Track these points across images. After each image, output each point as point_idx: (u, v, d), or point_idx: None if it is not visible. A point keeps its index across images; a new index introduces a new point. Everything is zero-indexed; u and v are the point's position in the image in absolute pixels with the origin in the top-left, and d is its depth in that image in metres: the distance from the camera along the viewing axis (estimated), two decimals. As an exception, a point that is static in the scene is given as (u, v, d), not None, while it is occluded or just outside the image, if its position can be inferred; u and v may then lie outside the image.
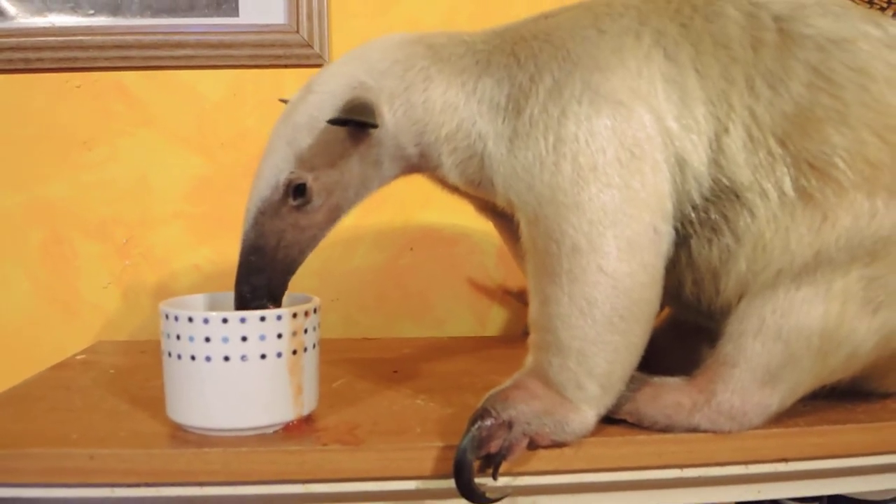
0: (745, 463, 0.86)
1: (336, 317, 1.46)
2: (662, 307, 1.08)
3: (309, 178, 0.87)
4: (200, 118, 1.42)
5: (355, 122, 0.85)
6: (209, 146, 1.42)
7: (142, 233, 1.42)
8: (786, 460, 0.87)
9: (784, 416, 0.87)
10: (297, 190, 0.87)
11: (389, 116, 0.88)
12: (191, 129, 1.42)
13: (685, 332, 1.00)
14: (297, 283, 1.43)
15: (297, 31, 1.40)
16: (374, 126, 0.86)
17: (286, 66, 1.42)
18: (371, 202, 1.42)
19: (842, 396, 0.93)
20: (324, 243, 1.44)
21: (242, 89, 1.42)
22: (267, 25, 1.41)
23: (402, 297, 1.48)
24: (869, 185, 0.76)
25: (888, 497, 1.17)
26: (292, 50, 1.41)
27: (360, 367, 1.13)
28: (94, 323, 1.42)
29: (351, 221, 1.45)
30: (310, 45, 1.41)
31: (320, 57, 1.41)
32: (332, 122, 0.84)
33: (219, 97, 1.42)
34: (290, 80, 1.41)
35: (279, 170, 0.87)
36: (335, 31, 1.43)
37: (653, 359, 0.97)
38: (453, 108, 0.86)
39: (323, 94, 0.88)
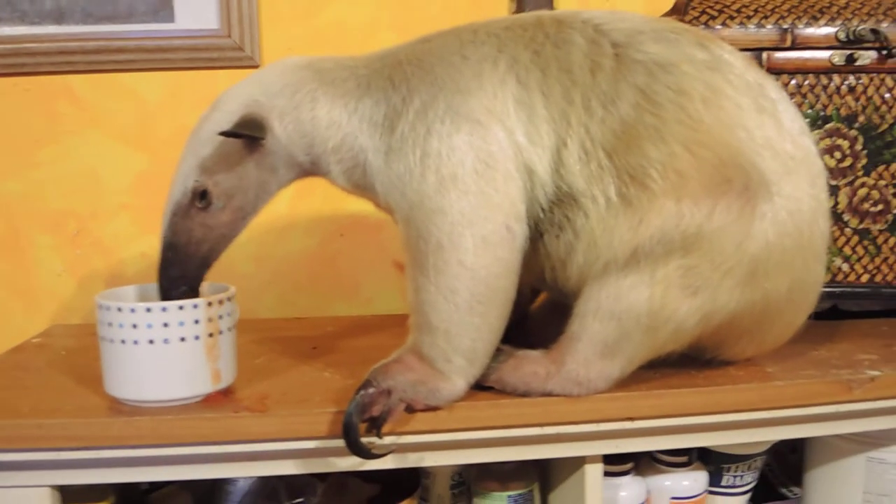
0: (596, 422, 1.01)
1: (272, 298, 1.61)
2: (535, 293, 1.23)
3: (209, 184, 1.00)
4: (142, 117, 1.54)
5: (244, 134, 0.98)
6: (151, 143, 1.55)
7: (92, 224, 1.55)
8: (632, 419, 1.02)
9: (632, 381, 1.02)
10: (201, 195, 1.01)
11: (280, 130, 1.01)
12: (133, 127, 1.54)
13: (559, 310, 1.15)
14: (236, 268, 1.58)
15: (229, 36, 1.52)
16: (260, 138, 1.00)
17: (220, 68, 1.54)
18: (302, 192, 1.58)
19: (690, 363, 1.09)
20: (259, 230, 1.60)
21: (180, 90, 1.55)
22: (201, 31, 1.53)
23: (333, 279, 1.62)
24: (677, 192, 0.90)
25: (755, 452, 1.33)
26: (225, 53, 1.53)
27: (284, 345, 1.27)
28: (50, 308, 1.55)
29: (284, 210, 1.61)
30: (241, 49, 1.53)
31: (251, 59, 1.53)
32: (223, 133, 0.98)
33: (158, 98, 1.54)
34: (224, 81, 1.51)
35: (186, 177, 1.01)
36: (265, 35, 1.55)
37: (532, 332, 1.13)
38: (337, 125, 1.00)
39: (223, 111, 1.02)
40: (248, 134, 0.99)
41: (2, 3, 1.48)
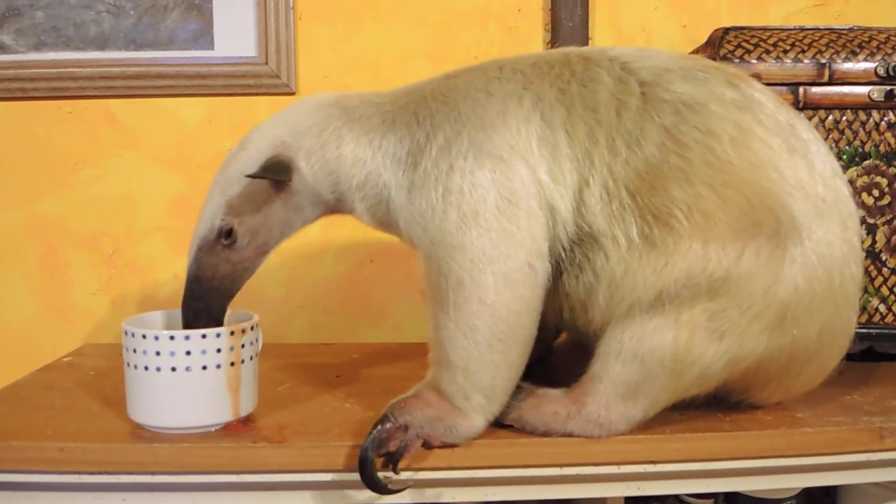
0: (617, 464, 1.00)
1: (303, 322, 1.62)
2: (559, 329, 1.22)
3: (235, 223, 1.02)
4: (180, 141, 1.57)
5: (271, 176, 1.00)
6: (188, 167, 1.58)
7: (127, 245, 1.58)
8: (654, 462, 1.00)
9: (656, 423, 1.00)
10: (227, 233, 1.02)
11: (307, 170, 1.03)
12: (171, 151, 1.57)
13: (584, 348, 1.13)
14: (267, 292, 1.59)
15: (266, 63, 1.55)
16: (287, 180, 1.01)
17: (257, 94, 1.57)
18: (334, 219, 1.59)
19: (717, 405, 1.06)
20: (291, 255, 1.62)
21: (218, 115, 1.57)
22: (239, 58, 1.55)
23: (363, 305, 1.63)
24: (703, 234, 0.89)
25: (785, 497, 1.30)
26: (262, 80, 1.56)
27: (308, 372, 1.28)
28: (84, 326, 1.58)
29: (316, 235, 1.62)
30: (278, 76, 1.55)
31: (287, 86, 1.55)
32: (250, 176, 1.00)
33: (197, 122, 1.57)
34: (262, 107, 1.57)
35: (213, 215, 1.02)
36: (301, 62, 1.57)
37: (556, 369, 1.12)
38: (362, 163, 1.01)
39: (251, 150, 1.03)
40: (275, 177, 1.00)
41: (47, 29, 1.53)
